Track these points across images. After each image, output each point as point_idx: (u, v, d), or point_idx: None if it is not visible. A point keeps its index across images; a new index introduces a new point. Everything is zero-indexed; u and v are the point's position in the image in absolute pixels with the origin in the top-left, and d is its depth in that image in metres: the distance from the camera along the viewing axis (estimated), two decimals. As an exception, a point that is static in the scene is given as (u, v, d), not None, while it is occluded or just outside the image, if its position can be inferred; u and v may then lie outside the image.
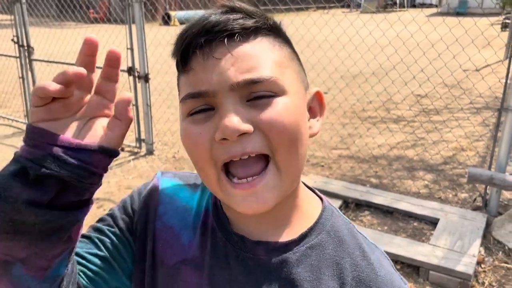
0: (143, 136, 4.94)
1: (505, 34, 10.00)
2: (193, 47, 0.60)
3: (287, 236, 0.68)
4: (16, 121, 6.04)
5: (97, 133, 0.57)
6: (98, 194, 3.96)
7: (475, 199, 3.74)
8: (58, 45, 6.98)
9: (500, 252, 3.05)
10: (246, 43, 0.60)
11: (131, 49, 4.58)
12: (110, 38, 5.88)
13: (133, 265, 0.73)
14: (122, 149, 5.03)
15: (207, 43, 0.59)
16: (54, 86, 0.51)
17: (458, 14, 21.48)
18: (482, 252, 3.05)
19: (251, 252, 0.67)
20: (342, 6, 30.18)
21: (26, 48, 5.64)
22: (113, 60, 0.59)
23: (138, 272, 0.73)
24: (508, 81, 3.30)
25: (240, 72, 0.58)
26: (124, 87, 5.55)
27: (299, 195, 0.70)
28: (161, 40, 7.67)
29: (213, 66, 0.59)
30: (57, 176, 0.52)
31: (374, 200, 3.65)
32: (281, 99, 0.59)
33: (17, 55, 5.73)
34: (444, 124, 5.35)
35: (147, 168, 4.52)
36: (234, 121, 0.56)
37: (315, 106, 0.69)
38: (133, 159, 4.75)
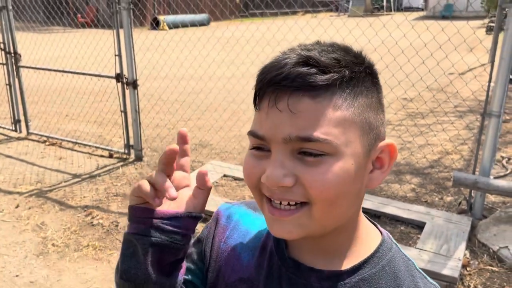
0: (131, 142, 4.93)
1: (490, 38, 10.16)
2: (263, 92, 0.64)
3: (341, 266, 0.69)
4: (3, 128, 5.99)
5: (183, 202, 0.70)
6: (86, 201, 3.95)
7: (460, 203, 3.81)
8: (46, 51, 6.95)
9: (485, 255, 3.11)
10: (310, 100, 0.60)
11: (119, 55, 4.58)
12: (98, 44, 5.87)
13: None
14: (111, 156, 5.02)
15: (274, 92, 0.62)
16: (155, 201, 0.67)
17: (443, 17, 21.76)
18: (468, 255, 3.10)
19: (304, 278, 0.70)
20: (330, 10, 30.38)
21: (13, 55, 5.60)
22: (182, 138, 0.74)
23: None
24: (491, 86, 3.37)
25: (294, 128, 0.60)
26: (112, 94, 5.56)
27: (357, 226, 0.72)
28: (149, 46, 7.68)
29: (274, 116, 0.62)
30: (160, 243, 0.67)
31: (362, 205, 3.68)
32: (331, 160, 0.61)
33: (4, 62, 5.68)
34: (430, 128, 5.42)
35: (136, 175, 4.52)
36: (277, 174, 0.61)
37: (385, 158, 0.68)
38: (121, 166, 4.75)
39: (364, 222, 0.74)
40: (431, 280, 0.73)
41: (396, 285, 0.69)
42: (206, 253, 0.83)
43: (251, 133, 0.66)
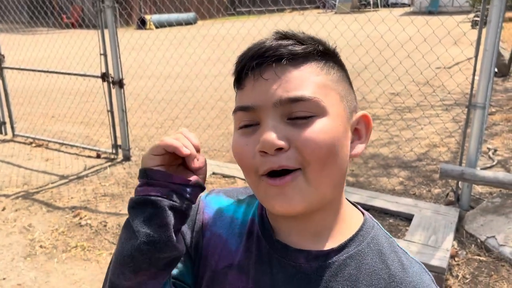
0: (119, 142, 4.89)
1: (475, 32, 10.25)
2: (246, 68, 0.67)
3: (328, 245, 0.72)
4: (-12, 130, 5.91)
5: (188, 175, 0.71)
6: (74, 202, 3.91)
7: (447, 194, 3.84)
8: (30, 51, 6.87)
9: (473, 245, 3.14)
10: (293, 67, 0.66)
11: (105, 54, 4.54)
12: (83, 44, 5.82)
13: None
14: (99, 156, 4.98)
15: (258, 66, 0.67)
16: (185, 150, 0.68)
17: (429, 13, 21.92)
18: (456, 246, 3.13)
19: (292, 260, 0.72)
20: (317, 8, 30.45)
21: (-4, 56, 5.52)
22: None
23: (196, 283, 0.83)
24: (476, 78, 3.40)
25: (283, 91, 0.64)
26: (98, 93, 5.50)
27: (341, 208, 0.74)
28: (135, 44, 7.62)
29: (260, 85, 0.66)
30: (177, 208, 0.67)
31: (351, 198, 3.66)
32: (320, 119, 0.65)
33: (-13, 63, 5.60)
34: (417, 122, 5.46)
35: (124, 175, 4.48)
36: (272, 136, 0.63)
37: (361, 129, 0.73)
38: (109, 166, 4.71)
39: (346, 203, 0.77)
40: (412, 256, 0.75)
41: (381, 261, 0.71)
42: (192, 246, 0.83)
43: (238, 108, 0.68)
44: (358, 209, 0.79)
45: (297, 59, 0.67)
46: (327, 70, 0.68)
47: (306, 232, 0.72)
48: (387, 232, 0.78)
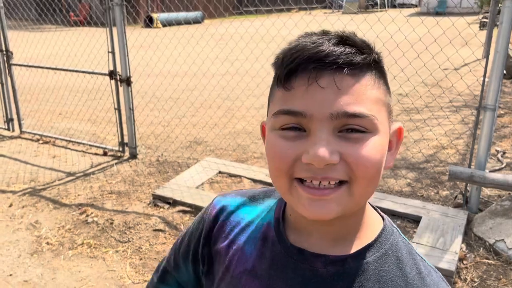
0: (126, 140, 4.90)
1: (484, 33, 10.19)
2: (301, 69, 0.62)
3: (347, 251, 0.70)
4: (-4, 127, 5.94)
5: None
6: (81, 199, 3.92)
7: (456, 197, 3.81)
8: (38, 49, 6.90)
9: (481, 248, 3.11)
10: (351, 78, 0.62)
11: (113, 52, 4.54)
12: (91, 41, 5.83)
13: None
14: (105, 153, 4.98)
15: (315, 70, 0.62)
16: None
17: (437, 14, 21.81)
18: (464, 249, 3.10)
19: (309, 264, 0.70)
20: (324, 7, 30.39)
21: (4, 52, 5.54)
22: None
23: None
24: (486, 80, 3.37)
25: (342, 104, 0.61)
26: (106, 91, 5.51)
27: (364, 213, 0.73)
28: (143, 42, 7.63)
29: (315, 92, 0.61)
30: None
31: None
32: (373, 137, 0.63)
33: (-4, 59, 5.63)
34: (425, 123, 5.42)
35: (130, 172, 4.48)
36: (325, 152, 0.60)
37: (394, 141, 0.72)
38: (116, 164, 4.71)
39: (368, 208, 0.75)
40: (430, 264, 0.74)
41: (399, 269, 0.70)
42: (202, 252, 0.84)
43: (286, 112, 0.63)
44: (378, 213, 0.77)
45: (355, 69, 0.63)
46: (378, 83, 0.66)
47: (327, 236, 0.71)
48: (406, 238, 0.76)
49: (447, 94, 6.44)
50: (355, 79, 0.62)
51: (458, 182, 3.90)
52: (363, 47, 0.64)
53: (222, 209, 0.84)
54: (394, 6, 30.71)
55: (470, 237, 3.23)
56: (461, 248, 3.05)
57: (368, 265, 0.69)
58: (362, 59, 0.63)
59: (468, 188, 3.63)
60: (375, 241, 0.71)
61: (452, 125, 5.26)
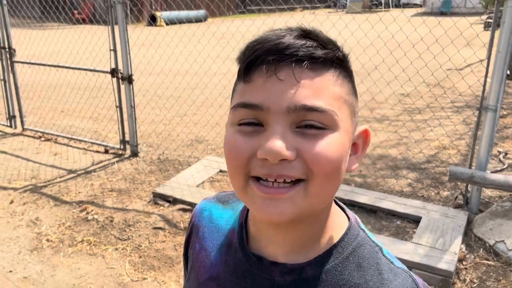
0: (127, 138, 4.90)
1: (488, 33, 10.13)
2: (260, 61, 0.61)
3: (305, 258, 0.68)
4: (-2, 124, 5.96)
5: None
6: (81, 197, 3.93)
7: (456, 197, 3.80)
8: (40, 46, 6.91)
9: (481, 249, 3.10)
10: (312, 72, 0.60)
11: (114, 50, 4.55)
12: (93, 39, 5.84)
13: None
14: (107, 151, 4.99)
15: (274, 62, 0.60)
16: None
17: (442, 13, 21.75)
18: (464, 250, 3.09)
19: (267, 273, 0.68)
20: (328, 7, 30.34)
21: (7, 50, 5.56)
22: None
23: None
24: (488, 80, 3.35)
25: (300, 97, 0.59)
26: (107, 89, 5.52)
27: (328, 217, 0.69)
28: (145, 40, 7.63)
29: (274, 85, 0.60)
30: None
31: (358, 199, 3.68)
32: (332, 134, 0.60)
33: (-2, 57, 5.65)
34: (426, 123, 5.41)
35: (131, 170, 4.49)
36: (280, 145, 0.57)
37: (360, 144, 0.70)
38: (117, 161, 4.72)
39: (334, 209, 0.72)
40: (399, 265, 0.70)
41: (360, 276, 0.67)
42: (185, 258, 0.86)
43: (243, 105, 0.61)
44: (346, 213, 0.74)
45: (316, 64, 0.61)
46: (342, 80, 0.64)
47: (287, 243, 0.68)
48: (374, 240, 0.72)
49: (449, 94, 6.42)
50: (315, 73, 0.60)
51: (458, 183, 3.89)
52: (326, 43, 0.62)
53: (199, 214, 0.84)
54: (398, 6, 30.63)
55: (470, 237, 3.23)
56: (460, 249, 3.04)
57: (327, 273, 0.66)
58: (324, 54, 0.61)
59: (468, 188, 3.62)
60: (335, 246, 0.68)
61: (454, 125, 5.25)
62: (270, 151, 0.57)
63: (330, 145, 0.59)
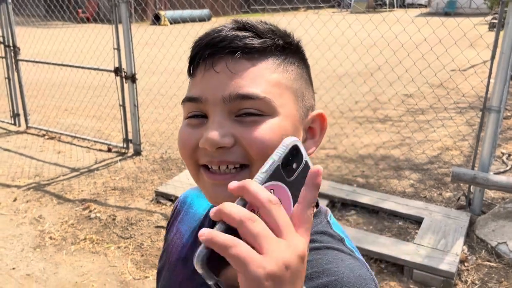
0: (130, 136, 4.92)
1: (493, 34, 10.09)
2: (199, 57, 0.65)
3: None
4: (2, 121, 5.98)
5: None
6: (84, 195, 3.94)
7: (459, 198, 3.79)
8: (45, 45, 6.93)
9: (483, 251, 3.10)
10: (247, 62, 0.63)
11: (118, 49, 4.56)
12: (97, 38, 5.86)
13: None
14: (110, 150, 5.01)
15: (211, 56, 0.63)
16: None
17: (446, 14, 21.68)
18: (465, 251, 3.09)
19: None
20: (332, 7, 30.30)
21: (12, 48, 5.58)
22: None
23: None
24: (491, 81, 3.35)
25: (234, 87, 0.61)
26: (111, 88, 5.54)
27: None
28: (148, 40, 7.65)
29: (211, 77, 0.63)
30: None
31: (360, 199, 3.68)
32: (270, 119, 0.62)
33: (3, 55, 5.67)
34: (429, 124, 5.40)
35: (134, 169, 4.50)
36: (215, 134, 0.60)
37: (316, 128, 0.71)
38: (120, 160, 4.73)
39: None
40: (358, 256, 0.68)
41: (317, 258, 0.64)
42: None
43: (186, 99, 0.65)
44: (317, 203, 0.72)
45: (253, 54, 0.63)
46: (284, 67, 0.65)
47: None
48: (337, 231, 0.70)
49: (452, 95, 6.41)
50: (251, 62, 0.63)
51: (461, 184, 3.89)
52: (263, 32, 0.64)
53: (182, 201, 0.88)
54: (403, 6, 30.55)
55: (472, 239, 3.22)
56: (462, 250, 3.04)
57: None
58: (260, 43, 0.63)
59: (471, 190, 3.61)
60: None
61: (457, 126, 5.24)
62: (207, 140, 0.60)
63: (267, 130, 0.61)
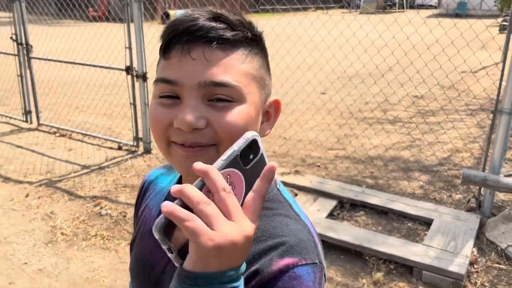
0: (140, 135, 4.96)
1: (503, 36, 10.03)
2: (176, 41, 0.69)
3: None
4: (14, 118, 6.05)
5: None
6: (95, 192, 3.98)
7: (469, 200, 3.78)
8: (57, 43, 7.00)
9: (493, 253, 3.09)
10: (221, 51, 0.69)
11: (130, 48, 4.60)
12: (109, 37, 5.90)
13: None
14: (120, 148, 5.05)
15: (188, 42, 0.68)
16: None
17: (457, 15, 21.54)
18: (475, 253, 3.08)
19: None
20: (341, 7, 30.22)
21: (24, 46, 5.65)
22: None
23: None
24: (503, 83, 3.33)
25: (209, 74, 0.68)
26: (122, 86, 5.58)
27: None
28: (159, 39, 7.69)
29: (187, 63, 0.68)
30: None
31: (369, 200, 3.68)
32: (238, 106, 0.69)
33: (16, 53, 5.74)
34: (440, 126, 5.38)
35: (144, 167, 4.54)
36: (191, 117, 0.66)
37: (272, 112, 0.80)
38: (130, 158, 4.77)
39: None
40: (303, 220, 0.76)
41: (266, 222, 0.73)
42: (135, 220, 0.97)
43: (161, 80, 0.70)
44: None
45: (226, 44, 0.69)
46: (251, 57, 0.72)
47: None
48: (286, 197, 0.79)
49: (463, 97, 6.37)
50: (225, 52, 0.69)
51: (471, 186, 3.87)
52: (236, 25, 0.70)
53: (146, 180, 0.97)
54: (413, 7, 30.38)
55: (482, 241, 3.21)
56: (472, 252, 3.03)
57: None
58: (232, 36, 0.69)
59: (481, 192, 3.60)
60: None
61: (468, 128, 5.21)
62: (183, 122, 0.66)
63: (236, 116, 0.69)
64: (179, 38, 0.69)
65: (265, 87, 0.76)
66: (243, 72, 0.70)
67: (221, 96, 0.68)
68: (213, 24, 0.69)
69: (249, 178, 0.58)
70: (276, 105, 0.80)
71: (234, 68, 0.69)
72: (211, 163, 0.68)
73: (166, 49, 0.71)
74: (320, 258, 0.71)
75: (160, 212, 0.82)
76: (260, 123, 0.76)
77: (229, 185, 0.56)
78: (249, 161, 0.58)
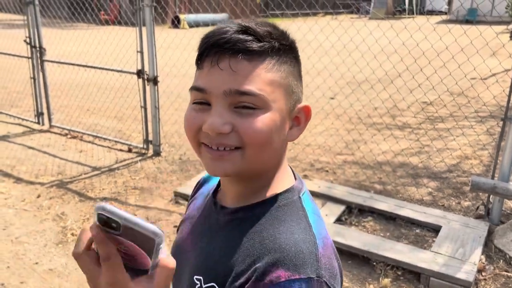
0: (150, 137, 5.01)
1: (514, 43, 9.96)
2: (206, 53, 0.76)
3: (244, 205, 0.83)
4: (27, 120, 6.14)
5: None
6: (105, 193, 4.03)
7: (477, 208, 3.77)
8: (70, 46, 7.10)
9: (501, 261, 3.08)
10: (247, 62, 0.74)
11: (141, 52, 4.65)
12: (121, 41, 5.98)
13: None
14: (130, 150, 5.10)
15: (217, 54, 0.75)
16: None
17: (467, 22, 21.43)
18: (483, 260, 3.07)
19: (218, 214, 0.87)
20: (351, 13, 30.20)
21: (38, 49, 5.74)
22: None
23: None
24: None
25: (234, 83, 0.73)
26: (133, 90, 5.64)
27: (270, 178, 0.83)
28: (171, 43, 7.76)
29: (215, 73, 0.74)
30: None
31: (377, 206, 3.69)
32: (262, 113, 0.74)
33: (29, 55, 5.83)
34: (449, 132, 5.37)
35: (154, 169, 4.58)
36: (217, 122, 0.73)
37: (301, 117, 0.83)
38: (140, 160, 4.82)
39: (284, 174, 0.85)
40: (315, 231, 0.77)
41: (273, 228, 0.77)
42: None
43: (194, 88, 0.77)
44: (295, 177, 0.87)
45: (252, 55, 0.74)
46: (278, 66, 0.77)
47: (235, 193, 0.84)
48: (305, 206, 0.81)
49: (472, 103, 6.35)
50: (251, 63, 0.74)
51: (480, 193, 3.86)
52: (263, 36, 0.75)
53: (202, 180, 1.05)
54: (422, 13, 30.27)
55: (490, 248, 3.20)
56: (480, 260, 3.02)
57: (252, 217, 0.80)
58: (259, 47, 0.74)
59: (490, 199, 3.59)
60: (268, 199, 0.81)
61: (477, 135, 5.19)
62: (209, 127, 0.74)
63: (259, 122, 0.74)
64: (209, 50, 0.75)
65: (293, 94, 0.80)
66: (268, 80, 0.75)
67: (246, 104, 0.74)
68: (241, 36, 0.74)
69: (131, 237, 0.60)
70: (306, 110, 0.84)
71: (259, 77, 0.74)
72: (235, 167, 0.76)
73: (199, 60, 0.78)
74: (320, 273, 0.70)
75: (201, 214, 0.93)
76: (288, 128, 0.81)
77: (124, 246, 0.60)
78: (119, 227, 0.59)
